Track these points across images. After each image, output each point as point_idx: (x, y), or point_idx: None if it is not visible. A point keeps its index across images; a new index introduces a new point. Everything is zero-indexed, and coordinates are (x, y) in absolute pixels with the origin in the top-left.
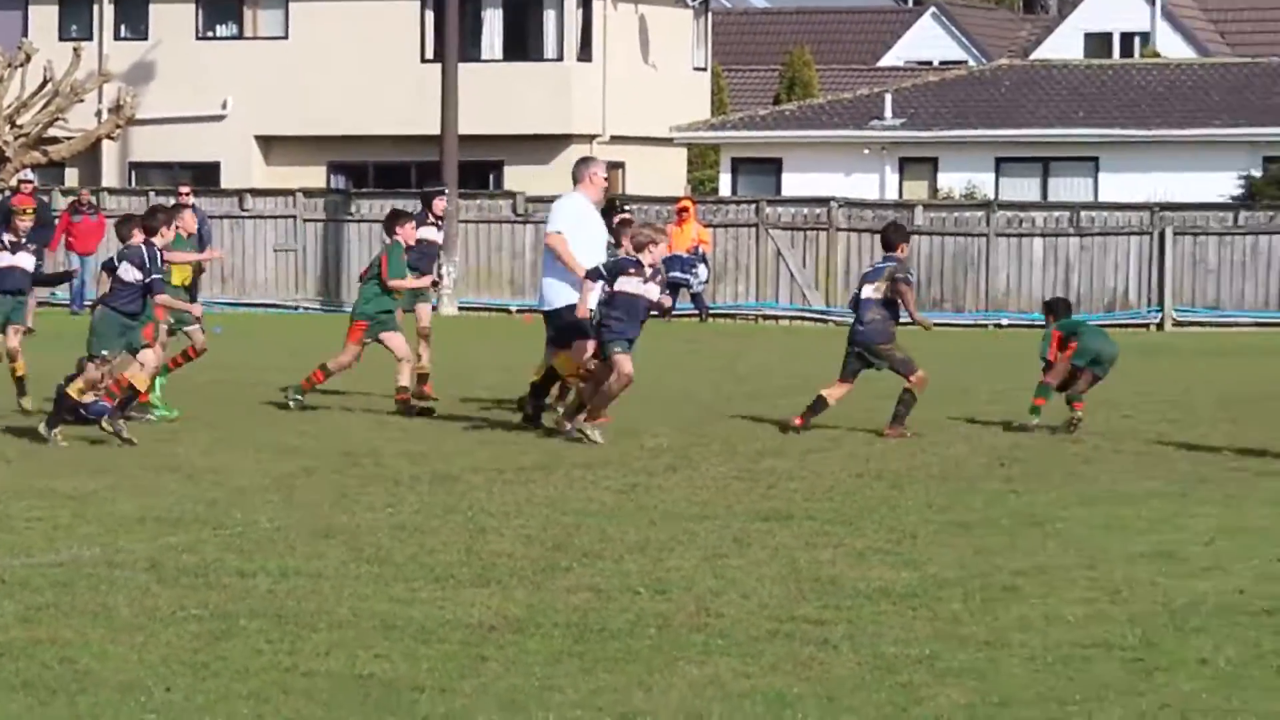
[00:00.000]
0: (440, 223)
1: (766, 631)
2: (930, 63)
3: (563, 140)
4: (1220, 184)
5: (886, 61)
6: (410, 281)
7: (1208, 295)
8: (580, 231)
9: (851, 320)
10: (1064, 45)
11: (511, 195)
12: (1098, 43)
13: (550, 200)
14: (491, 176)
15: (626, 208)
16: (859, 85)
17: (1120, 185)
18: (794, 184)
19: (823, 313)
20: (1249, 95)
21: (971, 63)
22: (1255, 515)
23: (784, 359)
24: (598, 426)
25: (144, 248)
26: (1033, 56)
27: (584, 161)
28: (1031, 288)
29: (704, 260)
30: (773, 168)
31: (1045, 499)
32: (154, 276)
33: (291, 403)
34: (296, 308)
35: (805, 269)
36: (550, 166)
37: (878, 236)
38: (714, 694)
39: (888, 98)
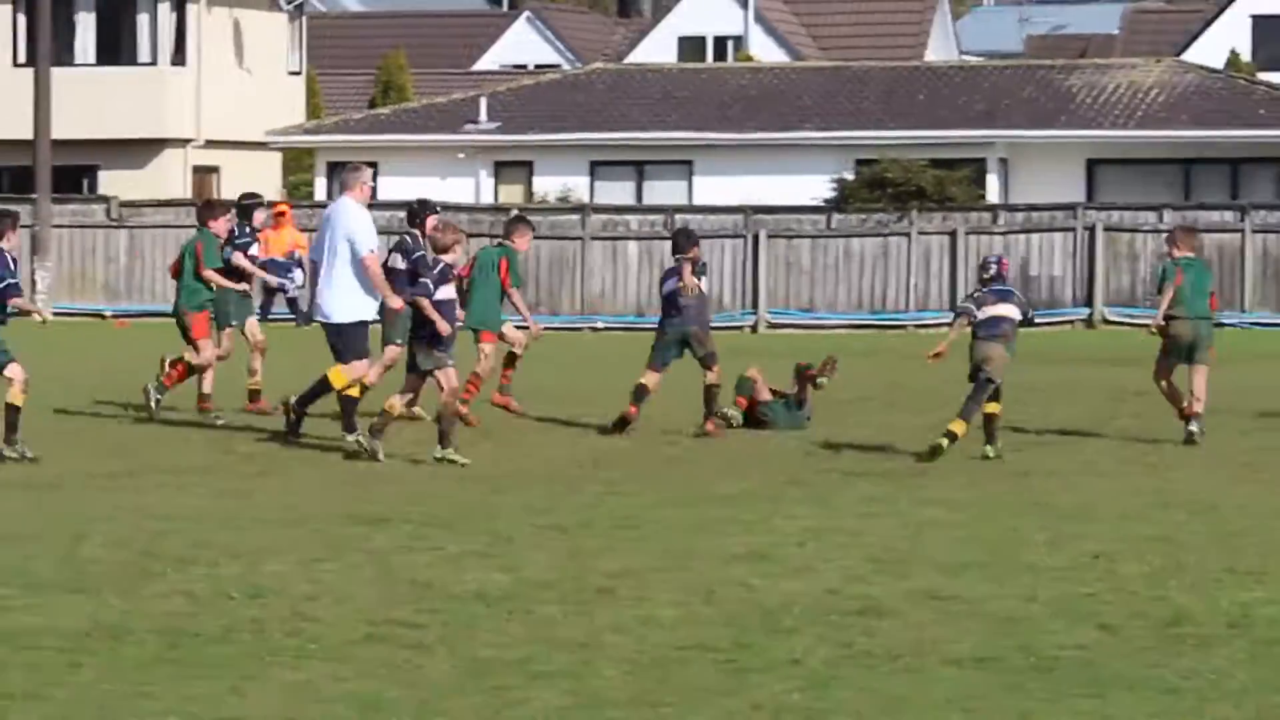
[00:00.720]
0: (259, 235)
1: (361, 635)
2: (525, 66)
3: (157, 144)
4: (813, 187)
5: (482, 65)
6: (219, 278)
7: (801, 297)
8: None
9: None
10: (658, 49)
11: (106, 200)
12: (691, 46)
13: (147, 205)
14: (86, 181)
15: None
16: (454, 89)
17: (715, 188)
18: (390, 187)
19: None
20: (841, 99)
21: (566, 66)
22: (845, 516)
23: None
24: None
25: None
26: (627, 60)
27: (355, 169)
28: (627, 291)
29: (300, 265)
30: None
31: (640, 501)
32: None
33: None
34: None
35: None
36: (145, 171)
37: (472, 240)
38: (308, 698)
39: (483, 101)
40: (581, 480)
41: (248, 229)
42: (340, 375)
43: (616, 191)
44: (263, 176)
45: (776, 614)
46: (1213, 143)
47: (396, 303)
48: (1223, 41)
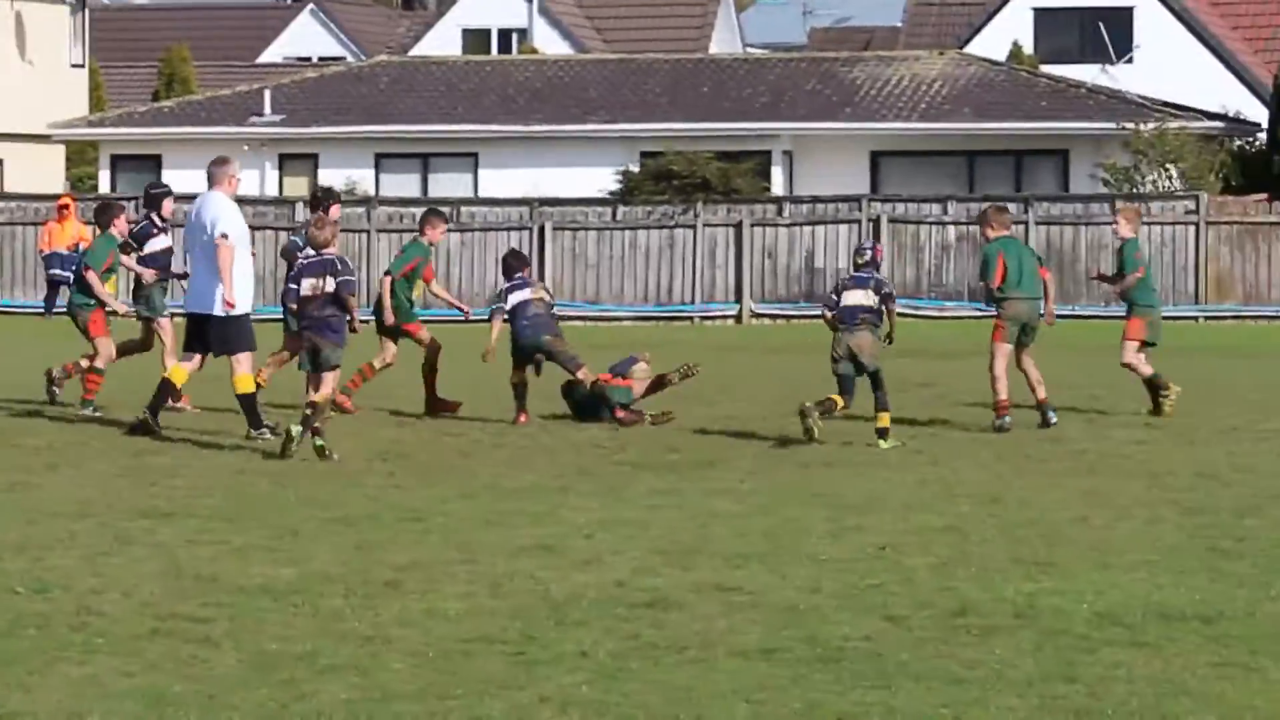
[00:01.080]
0: (168, 226)
1: (148, 630)
2: (309, 59)
3: None
4: (599, 179)
5: (266, 58)
6: (99, 287)
7: (588, 289)
8: (241, 234)
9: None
10: (442, 42)
11: None
12: (476, 39)
13: None
14: None
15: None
16: (238, 82)
17: (500, 181)
18: (174, 180)
19: None
20: (625, 91)
21: (350, 59)
22: (634, 508)
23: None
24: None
25: None
26: (412, 53)
27: (221, 163)
28: None
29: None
30: (153, 164)
31: (427, 494)
32: None
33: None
34: None
35: (186, 265)
36: None
37: (258, 233)
38: (94, 693)
39: (267, 94)
40: (367, 474)
41: (155, 219)
42: (180, 371)
43: (402, 184)
44: (46, 170)
45: (564, 606)
46: (996, 134)
47: (232, 296)
48: (1005, 34)
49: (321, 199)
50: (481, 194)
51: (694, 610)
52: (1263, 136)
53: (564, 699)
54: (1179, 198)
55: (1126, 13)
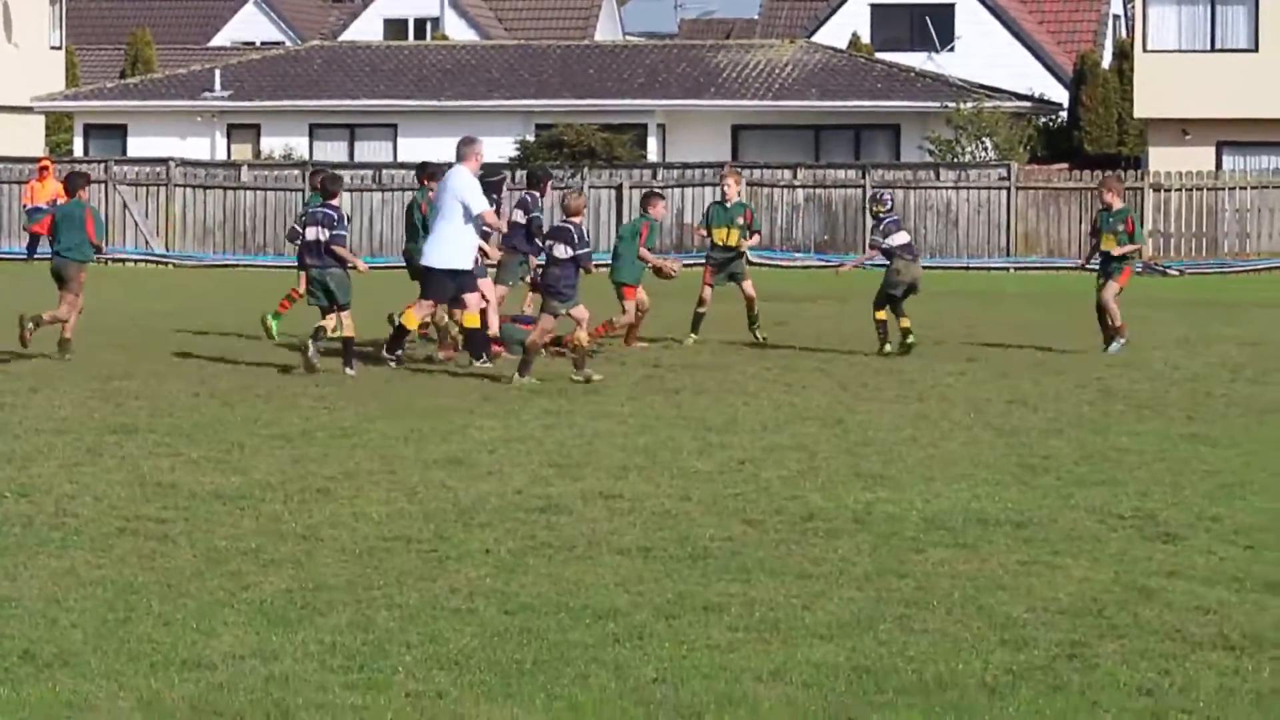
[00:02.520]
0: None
1: (115, 529)
2: (254, 43)
3: None
4: (500, 147)
5: (217, 41)
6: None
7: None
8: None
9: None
10: (367, 29)
11: None
12: (395, 27)
13: None
14: None
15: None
16: (193, 62)
17: (416, 148)
18: (138, 146)
19: (162, 257)
20: (523, 72)
21: (288, 43)
22: (530, 427)
23: (130, 297)
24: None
25: None
26: (341, 38)
27: (469, 142)
28: None
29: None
30: (120, 133)
31: (354, 414)
32: None
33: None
34: None
35: (148, 219)
36: None
37: (210, 191)
38: (71, 582)
39: (217, 73)
40: (300, 396)
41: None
42: (411, 316)
43: (332, 150)
44: (28, 137)
45: (470, 511)
46: (838, 112)
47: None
48: (846, 26)
49: (540, 175)
50: (400, 159)
51: (582, 514)
52: (1064, 115)
53: (470, 589)
54: (993, 167)
55: (949, 8)
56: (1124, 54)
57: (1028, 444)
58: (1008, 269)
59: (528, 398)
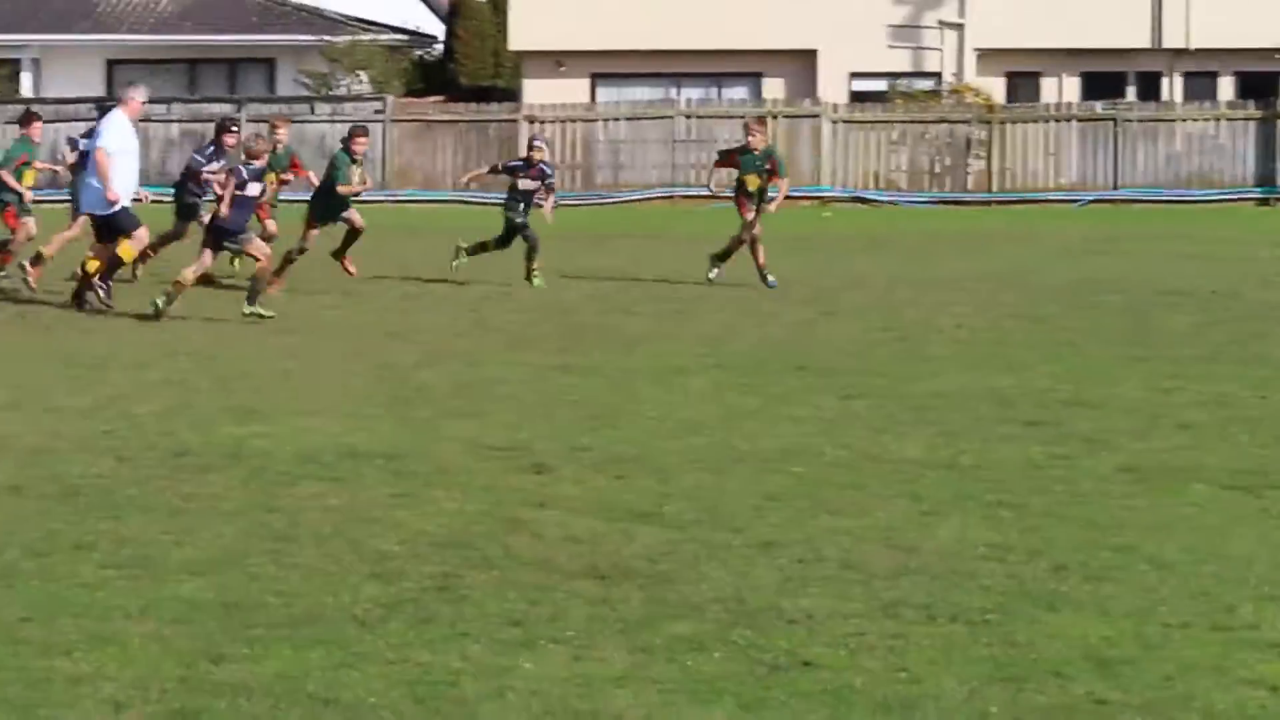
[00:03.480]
0: None
1: None
2: None
3: None
4: None
5: None
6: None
7: None
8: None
9: None
10: None
11: None
12: None
13: None
14: None
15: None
16: None
17: None
18: None
19: None
20: None
21: None
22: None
23: None
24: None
25: None
26: None
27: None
28: None
29: None
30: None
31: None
32: None
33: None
34: None
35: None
36: None
37: None
38: None
39: None
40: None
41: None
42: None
43: None
44: None
45: None
46: (214, 45)
47: (112, 195)
48: None
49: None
50: None
51: None
52: (440, 48)
53: None
54: (368, 99)
55: None
56: None
57: (400, 377)
58: (383, 202)
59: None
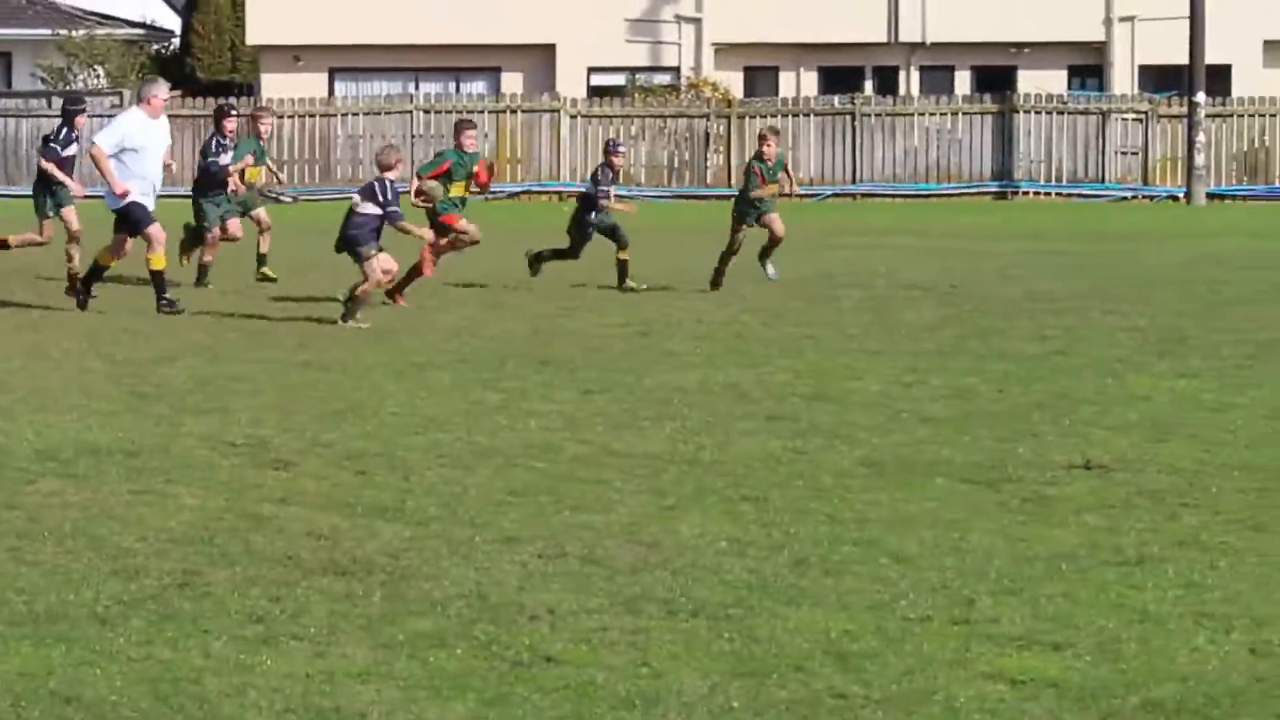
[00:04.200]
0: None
1: None
2: None
3: None
4: None
5: None
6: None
7: None
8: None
9: None
10: None
11: None
12: None
13: None
14: None
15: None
16: None
17: None
18: None
19: None
20: None
21: None
22: None
23: None
24: None
25: None
26: None
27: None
28: None
29: None
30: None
31: None
32: None
33: None
34: None
35: None
36: None
37: None
38: None
39: None
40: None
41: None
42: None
43: None
44: None
45: None
46: None
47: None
48: None
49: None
50: None
51: None
52: (176, 42)
53: None
54: (106, 94)
55: None
56: None
57: (140, 372)
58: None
59: None
